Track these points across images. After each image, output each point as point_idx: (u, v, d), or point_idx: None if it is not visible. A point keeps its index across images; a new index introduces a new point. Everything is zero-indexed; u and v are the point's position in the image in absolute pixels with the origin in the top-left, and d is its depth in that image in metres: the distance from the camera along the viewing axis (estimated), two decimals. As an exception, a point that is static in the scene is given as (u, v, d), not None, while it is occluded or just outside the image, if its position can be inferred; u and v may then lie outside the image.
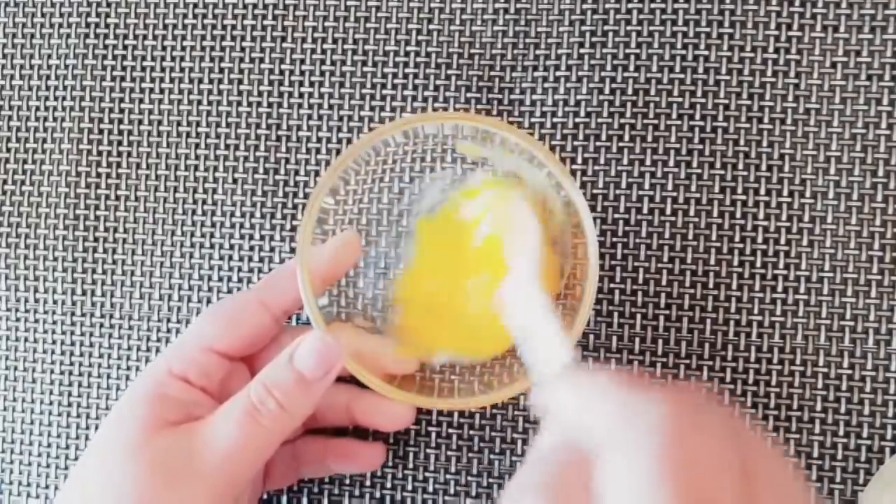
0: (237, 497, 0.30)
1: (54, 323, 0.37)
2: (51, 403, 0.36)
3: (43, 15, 0.37)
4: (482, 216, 0.32)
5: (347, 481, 0.35)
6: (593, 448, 0.20)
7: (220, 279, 0.36)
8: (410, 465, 0.34)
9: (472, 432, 0.34)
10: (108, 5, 0.37)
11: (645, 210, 0.33)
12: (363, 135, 0.35)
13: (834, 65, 0.33)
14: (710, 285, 0.33)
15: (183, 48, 0.36)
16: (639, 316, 0.33)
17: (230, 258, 0.36)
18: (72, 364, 0.36)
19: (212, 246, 0.36)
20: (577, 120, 0.34)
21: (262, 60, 0.36)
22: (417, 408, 0.32)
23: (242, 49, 0.36)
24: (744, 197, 0.33)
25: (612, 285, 0.33)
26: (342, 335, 0.31)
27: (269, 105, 0.36)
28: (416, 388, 0.31)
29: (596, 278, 0.29)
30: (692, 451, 0.19)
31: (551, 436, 0.23)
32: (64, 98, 0.37)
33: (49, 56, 0.37)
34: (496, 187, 0.33)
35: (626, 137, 0.34)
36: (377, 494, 0.34)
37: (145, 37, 0.36)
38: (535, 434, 0.33)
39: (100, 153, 0.37)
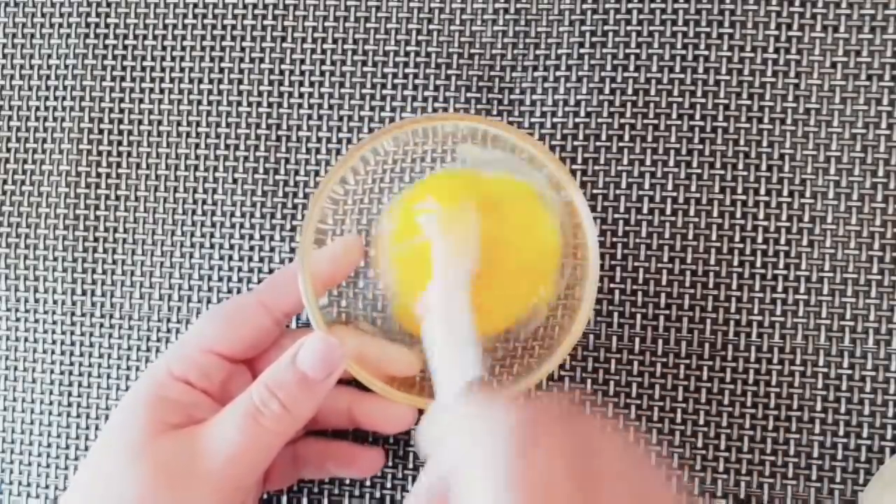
0: (243, 500, 0.30)
1: (54, 323, 0.37)
2: (51, 403, 0.36)
3: (43, 15, 0.37)
4: (423, 212, 0.32)
5: (347, 482, 0.35)
6: (456, 474, 0.21)
7: (220, 279, 0.36)
8: (410, 466, 0.34)
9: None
10: (108, 5, 0.37)
11: (645, 210, 0.33)
12: (364, 136, 0.35)
13: (834, 65, 0.33)
14: (710, 285, 0.33)
15: (183, 48, 0.36)
16: (639, 316, 0.33)
17: (230, 258, 0.36)
18: (72, 364, 0.36)
19: (212, 246, 0.36)
20: (577, 120, 0.34)
21: (262, 60, 0.36)
22: (418, 409, 0.32)
23: (242, 49, 0.36)
24: (744, 197, 0.33)
25: (612, 285, 0.33)
26: (343, 337, 0.31)
27: (269, 105, 0.36)
28: (417, 390, 0.31)
29: (596, 279, 0.29)
30: (534, 462, 0.20)
31: (432, 470, 0.23)
32: (64, 98, 0.37)
33: (49, 56, 0.37)
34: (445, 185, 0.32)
35: (626, 137, 0.34)
36: (377, 494, 0.34)
37: (145, 37, 0.36)
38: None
39: (100, 153, 0.37)
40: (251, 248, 0.36)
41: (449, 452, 0.22)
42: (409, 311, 0.32)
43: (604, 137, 0.34)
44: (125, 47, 0.37)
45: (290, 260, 0.35)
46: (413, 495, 0.23)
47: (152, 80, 0.36)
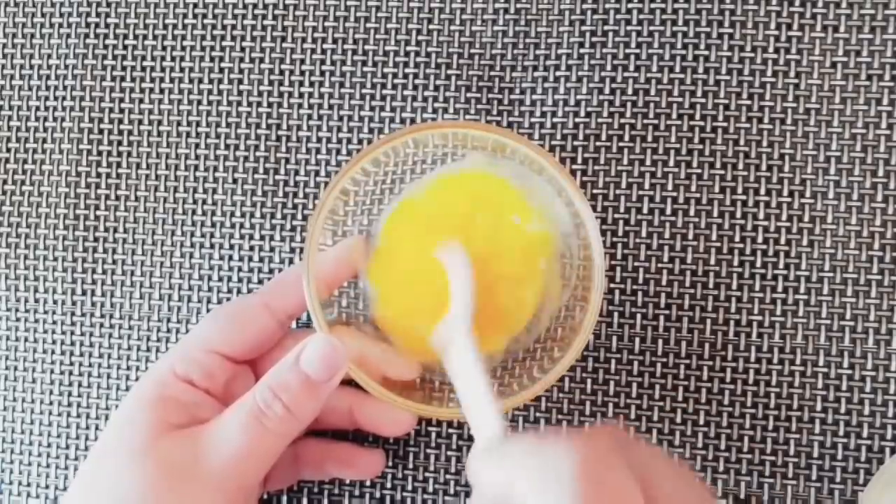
0: (245, 500, 0.30)
1: (54, 323, 0.37)
2: (51, 403, 0.36)
3: (43, 15, 0.37)
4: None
5: (347, 482, 0.35)
6: None
7: (220, 279, 0.36)
8: (410, 465, 0.34)
9: (472, 432, 0.34)
10: (108, 5, 0.37)
11: (645, 210, 0.33)
12: (364, 136, 0.35)
13: (834, 65, 0.33)
14: (710, 285, 0.33)
15: (183, 48, 0.36)
16: (639, 316, 0.33)
17: (230, 258, 0.36)
18: (72, 364, 0.36)
19: (212, 246, 0.36)
20: (577, 120, 0.34)
21: (262, 60, 0.36)
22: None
23: (242, 49, 0.36)
24: (744, 197, 0.33)
25: (612, 285, 0.33)
26: (344, 338, 0.31)
27: (269, 105, 0.36)
28: (418, 396, 0.31)
29: (601, 286, 0.29)
30: (603, 495, 0.20)
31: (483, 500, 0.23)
32: (64, 98, 0.37)
33: (49, 56, 0.37)
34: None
35: (626, 137, 0.34)
36: (377, 494, 0.34)
37: (145, 37, 0.36)
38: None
39: (100, 153, 0.37)
40: (251, 248, 0.36)
41: (508, 486, 0.22)
42: (391, 321, 0.32)
43: (604, 137, 0.34)
44: (125, 47, 0.37)
45: (291, 260, 0.35)
46: None
47: (152, 80, 0.36)
